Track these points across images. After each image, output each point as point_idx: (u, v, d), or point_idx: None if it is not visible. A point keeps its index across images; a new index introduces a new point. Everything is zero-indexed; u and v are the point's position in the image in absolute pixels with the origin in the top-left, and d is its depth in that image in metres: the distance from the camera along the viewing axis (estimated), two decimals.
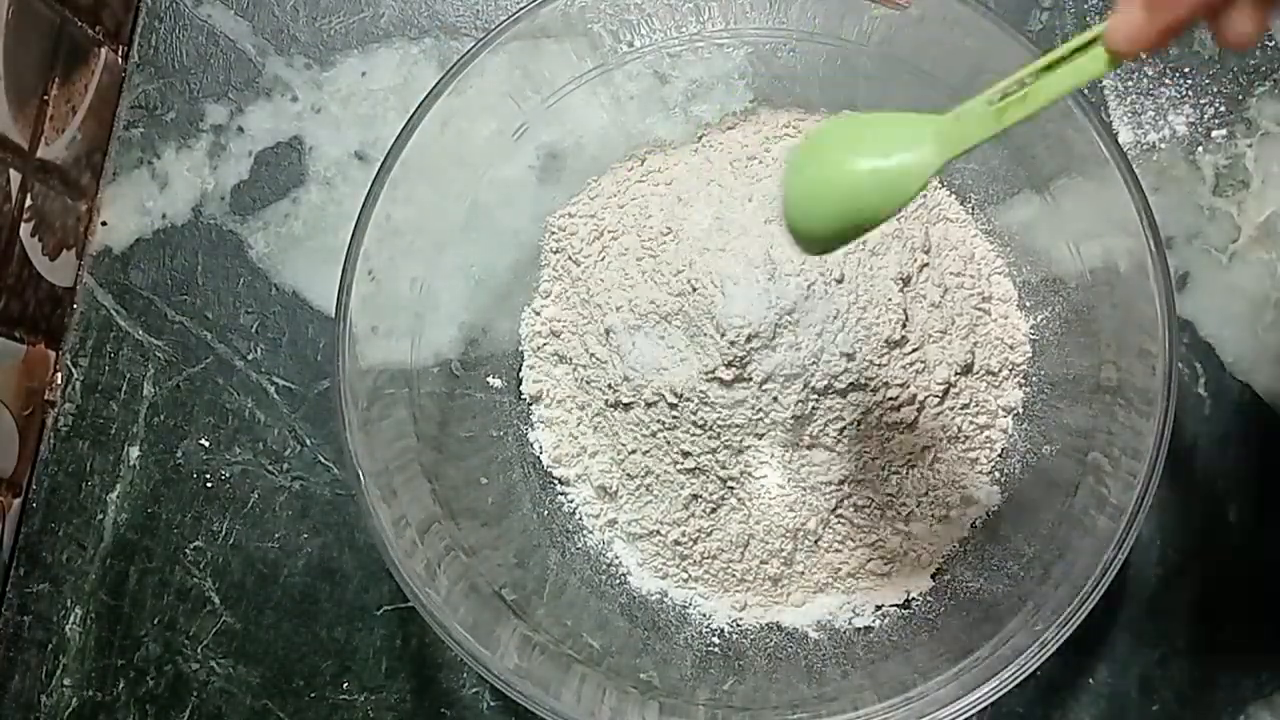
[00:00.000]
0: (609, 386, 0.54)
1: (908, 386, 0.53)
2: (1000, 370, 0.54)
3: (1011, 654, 0.45)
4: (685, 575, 0.54)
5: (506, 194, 0.56)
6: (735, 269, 0.51)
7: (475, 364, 0.56)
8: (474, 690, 0.57)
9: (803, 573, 0.54)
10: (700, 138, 0.57)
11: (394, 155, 0.50)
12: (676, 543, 0.54)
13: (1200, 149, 0.58)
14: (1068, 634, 0.45)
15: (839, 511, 0.53)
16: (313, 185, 0.61)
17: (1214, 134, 0.58)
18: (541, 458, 0.56)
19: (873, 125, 0.39)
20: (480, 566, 0.51)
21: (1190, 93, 0.58)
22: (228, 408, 0.60)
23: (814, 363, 0.51)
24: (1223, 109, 0.58)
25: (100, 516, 0.59)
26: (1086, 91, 0.57)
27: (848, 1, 0.52)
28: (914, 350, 0.53)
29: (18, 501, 0.60)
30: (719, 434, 0.52)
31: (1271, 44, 0.58)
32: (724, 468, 0.53)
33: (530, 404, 0.57)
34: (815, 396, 0.52)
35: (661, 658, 0.53)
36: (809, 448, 0.52)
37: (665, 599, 0.55)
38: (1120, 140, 0.54)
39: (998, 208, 0.55)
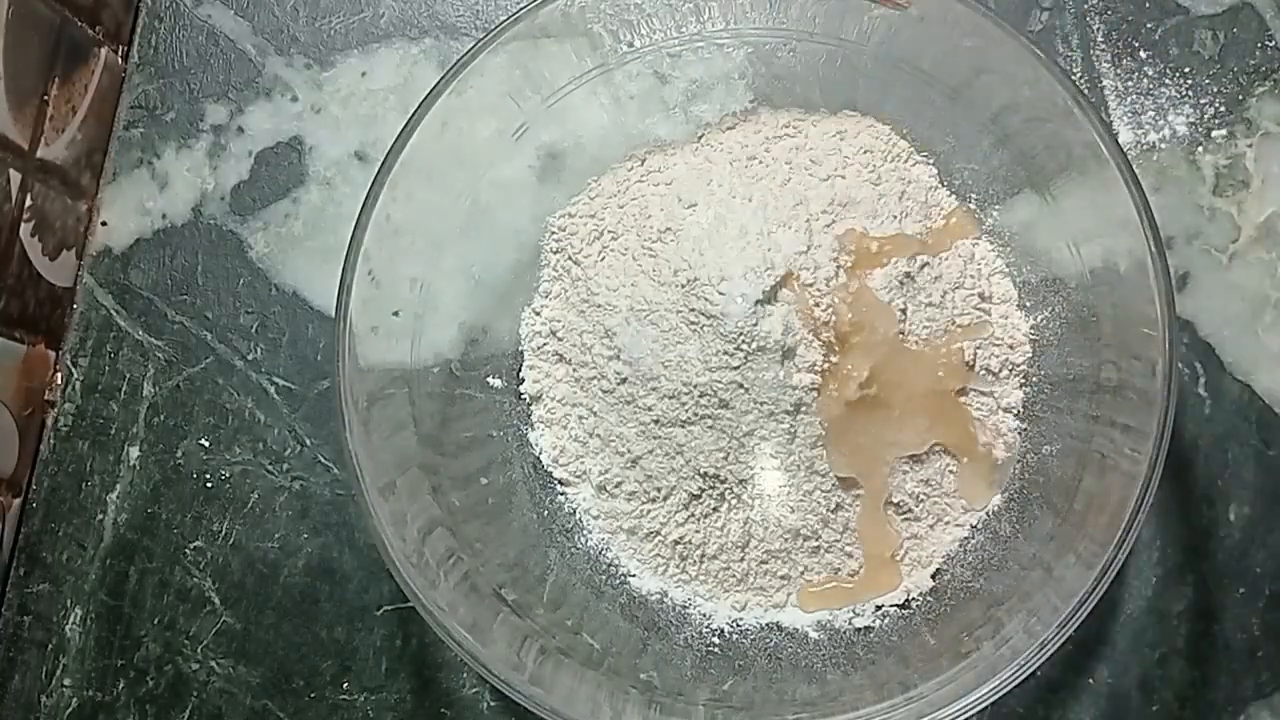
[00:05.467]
0: (609, 386, 0.54)
1: (907, 386, 0.53)
2: (1000, 370, 0.54)
3: (1011, 654, 0.45)
4: (685, 575, 0.54)
5: (506, 194, 0.56)
6: (735, 269, 0.51)
7: (475, 364, 0.56)
8: (474, 690, 0.57)
9: (803, 573, 0.54)
10: (700, 138, 0.57)
11: (394, 155, 0.50)
12: (677, 543, 0.54)
13: (1200, 149, 0.58)
14: (1068, 634, 0.45)
15: (839, 511, 0.53)
16: (313, 185, 0.61)
17: (1214, 134, 0.58)
18: (541, 458, 0.56)
19: None
20: (480, 566, 0.51)
21: (1190, 93, 0.58)
22: (227, 408, 0.60)
23: (814, 363, 0.51)
24: (1223, 109, 0.58)
25: (100, 516, 0.59)
26: (1086, 91, 0.57)
27: (848, 1, 0.52)
28: (913, 350, 0.53)
29: (18, 501, 0.60)
30: (719, 434, 0.52)
31: (1272, 44, 0.58)
32: (724, 468, 0.53)
33: (530, 404, 0.57)
34: (815, 396, 0.52)
35: (661, 658, 0.53)
36: (809, 448, 0.52)
37: (665, 599, 0.55)
38: (1120, 140, 0.55)
39: (998, 208, 0.55)
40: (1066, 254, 0.52)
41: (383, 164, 0.50)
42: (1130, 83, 0.59)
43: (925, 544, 0.54)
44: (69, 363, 0.61)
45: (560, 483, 0.56)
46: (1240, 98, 0.58)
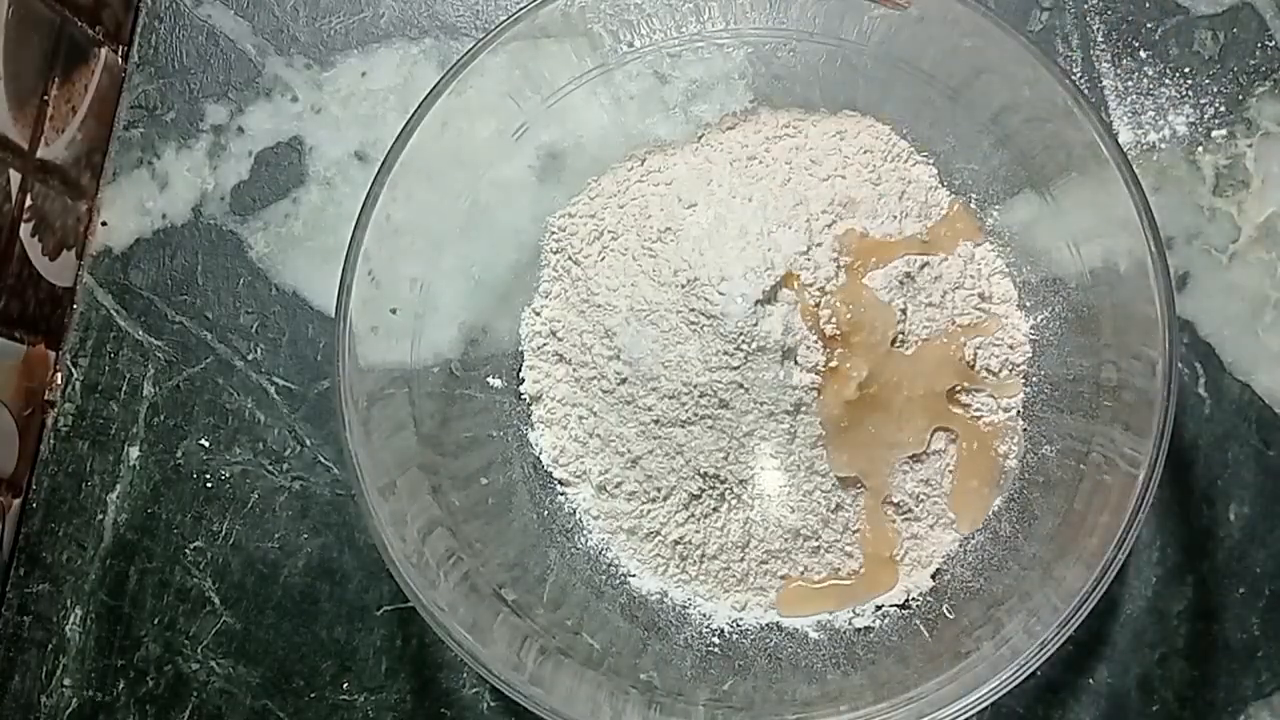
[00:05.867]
0: (609, 386, 0.54)
1: (907, 386, 0.53)
2: (1000, 370, 0.54)
3: (1011, 654, 0.45)
4: (685, 575, 0.54)
5: (506, 194, 0.56)
6: (735, 269, 0.51)
7: (475, 364, 0.56)
8: (474, 690, 0.57)
9: (803, 572, 0.54)
10: (700, 138, 0.57)
11: (394, 155, 0.50)
12: (677, 543, 0.54)
13: (1200, 149, 0.58)
14: (1068, 634, 0.45)
15: (839, 511, 0.53)
16: (313, 185, 0.61)
17: (1214, 134, 0.58)
18: (541, 458, 0.56)
19: None
20: (480, 566, 0.51)
21: (1190, 93, 0.58)
22: (228, 408, 0.60)
23: (814, 363, 0.51)
24: (1223, 109, 0.58)
25: (100, 516, 0.59)
26: (1086, 91, 0.57)
27: (848, 1, 0.52)
28: (913, 350, 0.53)
29: (17, 501, 0.60)
30: (719, 434, 0.52)
31: (1272, 43, 0.58)
32: (724, 468, 0.53)
33: (530, 404, 0.57)
34: (815, 396, 0.52)
35: (661, 658, 0.53)
36: (809, 448, 0.52)
37: (665, 599, 0.55)
38: (1120, 140, 0.54)
39: (998, 208, 0.55)
40: (1066, 254, 0.52)
41: (383, 164, 0.50)
42: (1130, 83, 0.59)
43: (925, 544, 0.54)
44: (69, 363, 0.61)
45: (560, 483, 0.56)
46: (1240, 98, 0.58)
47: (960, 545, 0.54)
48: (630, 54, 0.55)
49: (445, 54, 0.62)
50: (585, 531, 0.56)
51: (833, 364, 0.52)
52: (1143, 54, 0.59)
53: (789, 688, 0.52)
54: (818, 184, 0.54)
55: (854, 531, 0.53)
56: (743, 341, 0.51)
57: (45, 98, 0.59)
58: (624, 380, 0.53)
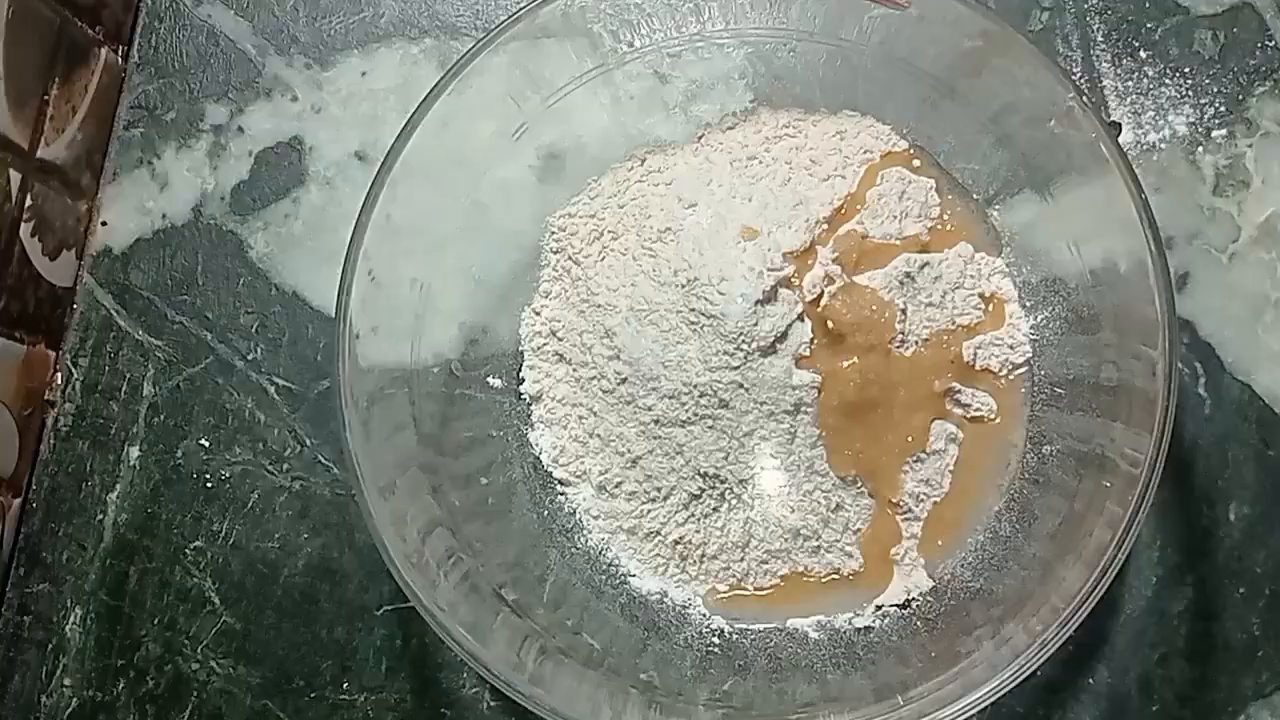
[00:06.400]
0: (609, 386, 0.54)
1: (908, 386, 0.53)
2: (1000, 370, 0.54)
3: (1011, 654, 0.45)
4: (685, 575, 0.54)
5: (507, 194, 0.56)
6: (735, 269, 0.51)
7: (475, 364, 0.56)
8: (474, 690, 0.57)
9: (803, 572, 0.54)
10: (700, 138, 0.57)
11: (394, 155, 0.50)
12: (677, 543, 0.54)
13: (1200, 149, 0.58)
14: (1067, 634, 0.45)
15: (839, 511, 0.53)
16: (313, 185, 0.61)
17: (1214, 134, 0.58)
18: (541, 458, 0.56)
19: None
20: (480, 566, 0.51)
21: (1190, 93, 0.58)
22: (228, 408, 0.60)
23: (814, 363, 0.51)
24: (1223, 109, 0.58)
25: (100, 516, 0.59)
26: (1086, 91, 0.57)
27: (848, 1, 0.52)
28: (913, 350, 0.53)
29: (18, 501, 0.60)
30: (719, 434, 0.52)
31: (1271, 43, 0.58)
32: (724, 468, 0.53)
33: (530, 404, 0.57)
34: (815, 396, 0.52)
35: (661, 657, 0.53)
36: (809, 447, 0.52)
37: (665, 599, 0.55)
38: (1120, 140, 0.54)
39: (998, 207, 0.55)
40: (1067, 254, 0.52)
41: (383, 164, 0.50)
42: (1130, 83, 0.59)
43: (925, 544, 0.54)
44: (69, 363, 0.61)
45: (560, 483, 0.56)
46: (1240, 98, 0.58)
47: (960, 545, 0.54)
48: (630, 54, 0.55)
49: (445, 54, 0.62)
50: (585, 531, 0.56)
51: (833, 364, 0.52)
52: (1143, 54, 0.59)
53: (789, 688, 0.52)
54: (818, 184, 0.54)
55: (854, 531, 0.53)
56: (743, 341, 0.51)
57: (45, 98, 0.59)
58: (624, 380, 0.53)
